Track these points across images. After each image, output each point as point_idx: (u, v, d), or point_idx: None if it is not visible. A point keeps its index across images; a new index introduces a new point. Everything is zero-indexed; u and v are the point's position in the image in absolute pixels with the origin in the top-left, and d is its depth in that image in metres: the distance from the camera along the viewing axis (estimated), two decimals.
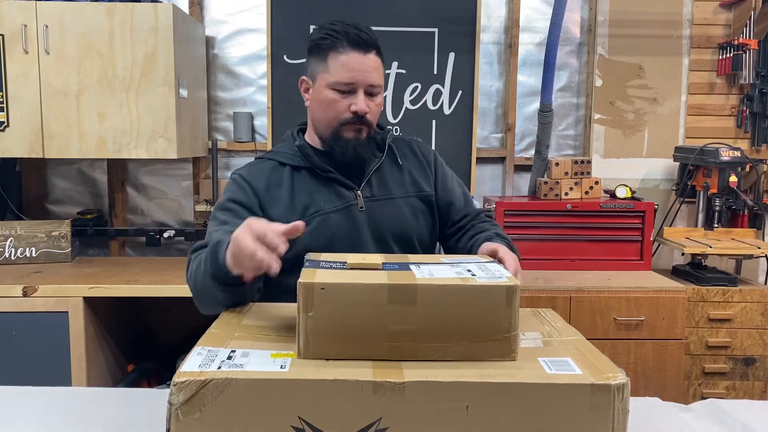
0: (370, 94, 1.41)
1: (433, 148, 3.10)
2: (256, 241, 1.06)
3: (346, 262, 1.03)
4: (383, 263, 1.03)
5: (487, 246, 1.33)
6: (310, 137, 1.53)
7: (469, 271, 1.00)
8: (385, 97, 3.09)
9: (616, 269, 2.82)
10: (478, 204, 1.69)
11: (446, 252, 1.61)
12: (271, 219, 1.28)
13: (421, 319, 0.91)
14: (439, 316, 0.92)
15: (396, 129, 3.12)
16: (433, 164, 1.58)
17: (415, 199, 1.51)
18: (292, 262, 1.12)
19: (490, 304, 0.92)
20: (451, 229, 1.57)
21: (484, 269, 1.02)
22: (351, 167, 1.47)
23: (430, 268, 1.02)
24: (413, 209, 1.50)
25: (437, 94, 3.10)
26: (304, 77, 1.50)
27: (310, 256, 1.11)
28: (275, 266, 1.06)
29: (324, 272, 0.97)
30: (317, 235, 1.40)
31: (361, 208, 1.45)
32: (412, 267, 1.02)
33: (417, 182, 1.53)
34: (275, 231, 1.08)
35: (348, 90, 1.40)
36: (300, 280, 0.92)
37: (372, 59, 1.40)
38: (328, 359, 0.91)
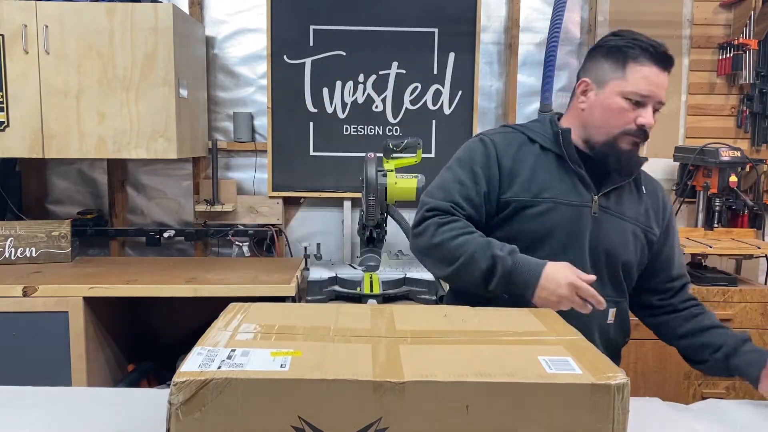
0: (654, 110, 1.43)
1: (433, 148, 3.11)
2: (574, 293, 1.28)
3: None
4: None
5: None
6: (574, 131, 1.51)
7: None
8: (385, 98, 3.10)
9: None
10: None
11: (644, 307, 1.62)
12: (502, 195, 1.44)
13: None
14: None
15: (396, 129, 3.12)
16: (668, 213, 1.59)
17: (641, 230, 1.51)
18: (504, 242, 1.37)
19: None
20: (663, 285, 1.58)
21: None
22: (597, 173, 1.48)
23: None
24: (635, 237, 1.50)
25: (437, 94, 3.10)
26: (586, 79, 1.48)
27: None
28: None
29: None
30: (542, 220, 1.44)
31: (594, 213, 1.46)
32: None
33: (648, 217, 1.53)
34: (590, 293, 1.28)
35: (640, 102, 1.41)
36: None
37: (666, 78, 1.42)
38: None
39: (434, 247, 1.39)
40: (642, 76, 1.39)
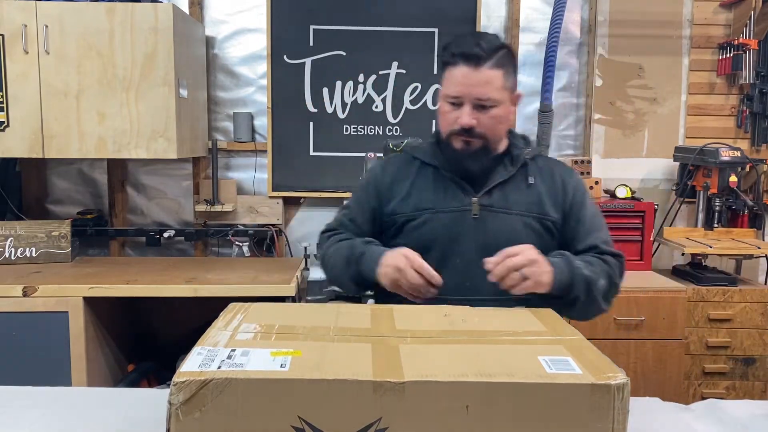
0: (481, 107, 1.41)
1: None
2: (413, 272, 1.33)
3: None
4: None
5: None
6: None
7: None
8: (385, 98, 3.10)
9: None
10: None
11: None
12: (384, 213, 1.53)
13: None
14: None
15: (396, 129, 3.12)
16: (571, 194, 1.53)
17: (535, 220, 1.48)
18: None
19: None
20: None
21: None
22: (478, 175, 1.49)
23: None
24: (529, 228, 1.48)
25: (437, 94, 3.10)
26: (438, 86, 1.54)
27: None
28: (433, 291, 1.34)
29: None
30: (422, 231, 1.47)
31: (475, 215, 1.46)
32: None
33: (542, 204, 1.50)
34: (424, 267, 1.34)
35: (457, 103, 1.42)
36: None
37: (484, 74, 1.40)
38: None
39: (327, 269, 1.57)
40: (452, 77, 1.42)
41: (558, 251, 1.44)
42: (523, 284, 1.30)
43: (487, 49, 1.40)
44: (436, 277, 1.33)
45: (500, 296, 1.33)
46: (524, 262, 1.30)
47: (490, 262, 1.31)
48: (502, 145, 1.53)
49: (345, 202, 1.67)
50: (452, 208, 1.47)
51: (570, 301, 1.39)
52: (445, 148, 1.49)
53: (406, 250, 1.36)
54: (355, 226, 1.57)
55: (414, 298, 1.36)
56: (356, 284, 1.48)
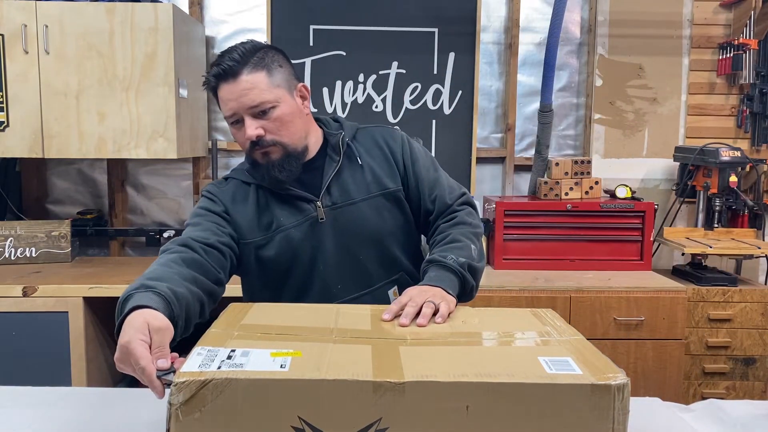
0: (259, 114, 1.35)
1: (433, 148, 3.11)
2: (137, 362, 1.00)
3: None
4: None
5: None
6: None
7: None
8: (385, 98, 3.10)
9: (616, 269, 2.82)
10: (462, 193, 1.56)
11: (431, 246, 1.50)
12: (238, 228, 1.40)
13: None
14: None
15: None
16: (400, 154, 1.49)
17: (380, 198, 1.44)
18: (262, 282, 1.43)
19: None
20: (426, 225, 1.51)
21: None
22: (309, 178, 1.43)
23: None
24: (378, 209, 1.44)
25: (437, 94, 3.10)
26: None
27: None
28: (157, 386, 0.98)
29: None
30: (281, 252, 1.41)
31: (322, 219, 1.42)
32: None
33: (379, 180, 1.45)
34: (145, 370, 0.99)
35: (238, 120, 1.36)
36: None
37: (242, 82, 1.33)
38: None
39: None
40: (221, 100, 1.36)
41: (426, 259, 1.38)
42: (440, 313, 1.16)
43: (237, 58, 1.33)
44: (156, 388, 0.99)
45: (372, 287, 1.35)
46: (418, 302, 1.17)
47: (388, 313, 1.15)
48: (314, 139, 1.47)
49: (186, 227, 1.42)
50: (300, 219, 1.41)
51: (468, 290, 1.36)
52: (257, 167, 1.41)
53: (139, 336, 1.01)
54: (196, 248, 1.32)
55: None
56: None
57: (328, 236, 1.42)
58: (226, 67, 1.33)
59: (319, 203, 1.42)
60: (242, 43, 1.40)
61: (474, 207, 1.54)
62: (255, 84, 1.34)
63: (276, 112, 1.36)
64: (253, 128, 1.34)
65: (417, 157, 1.51)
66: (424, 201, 1.49)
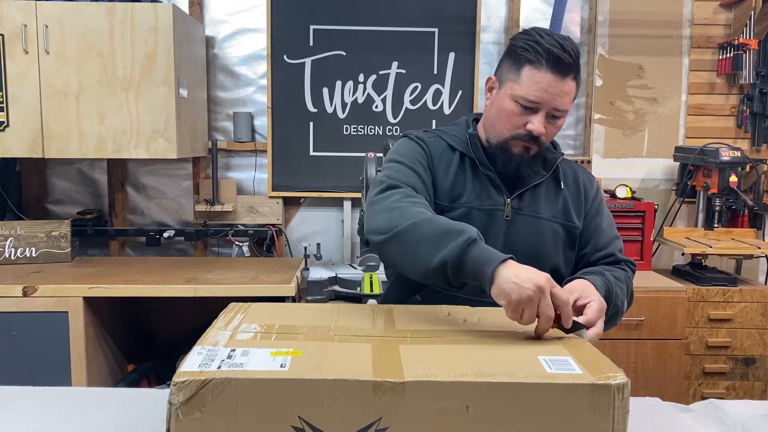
0: (552, 116, 1.36)
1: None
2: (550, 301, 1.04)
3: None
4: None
5: (572, 284, 1.27)
6: (482, 131, 1.49)
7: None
8: (385, 98, 3.10)
9: None
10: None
11: None
12: (433, 185, 1.42)
13: None
14: None
15: (396, 129, 3.12)
16: (591, 198, 1.52)
17: (560, 227, 1.46)
18: None
19: None
20: (578, 265, 1.50)
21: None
22: (513, 175, 1.44)
23: None
24: (555, 235, 1.45)
25: (437, 94, 3.10)
26: (491, 76, 1.45)
27: None
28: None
29: None
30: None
31: (507, 216, 1.43)
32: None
33: (568, 211, 1.48)
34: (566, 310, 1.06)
35: (531, 107, 1.35)
36: None
37: (567, 84, 1.34)
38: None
39: (393, 209, 1.29)
40: (534, 81, 1.32)
41: (591, 269, 1.42)
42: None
43: (574, 57, 1.33)
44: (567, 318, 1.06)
45: None
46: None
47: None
48: None
49: (391, 166, 1.42)
50: (487, 206, 1.43)
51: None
52: (498, 149, 1.41)
53: (546, 274, 1.07)
54: (426, 195, 1.38)
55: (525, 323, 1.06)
56: (435, 271, 1.15)
57: (502, 235, 1.42)
58: (568, 61, 1.32)
59: (509, 200, 1.44)
60: (570, 39, 1.36)
61: (635, 272, 1.56)
62: (571, 92, 1.36)
63: (561, 121, 1.40)
64: (542, 126, 1.35)
65: (603, 211, 1.54)
66: (595, 249, 1.50)
